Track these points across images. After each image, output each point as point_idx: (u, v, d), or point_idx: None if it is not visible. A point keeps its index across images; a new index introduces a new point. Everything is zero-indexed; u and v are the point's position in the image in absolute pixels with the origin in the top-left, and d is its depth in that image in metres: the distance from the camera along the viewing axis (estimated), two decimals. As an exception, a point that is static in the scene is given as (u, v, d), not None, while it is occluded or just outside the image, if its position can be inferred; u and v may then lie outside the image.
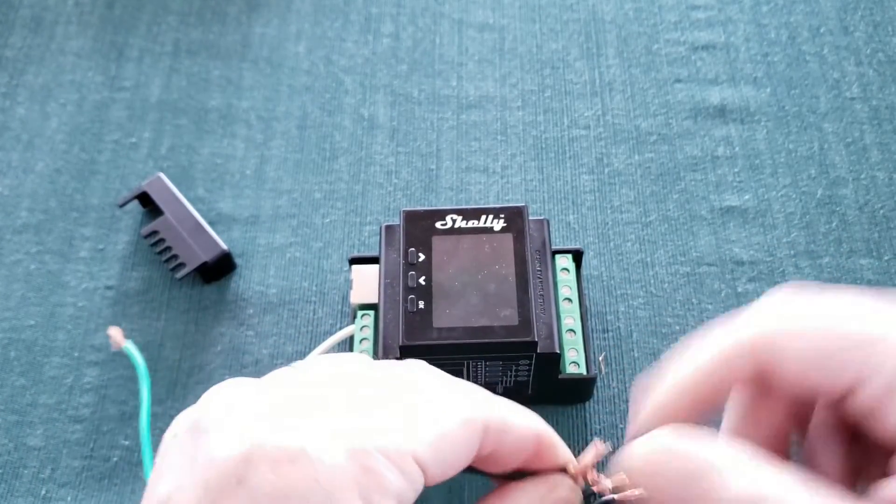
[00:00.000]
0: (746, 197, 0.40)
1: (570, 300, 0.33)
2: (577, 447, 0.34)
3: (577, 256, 0.35)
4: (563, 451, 0.24)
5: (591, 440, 0.34)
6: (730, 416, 0.24)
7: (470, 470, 0.24)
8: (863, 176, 0.40)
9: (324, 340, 0.35)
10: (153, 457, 0.32)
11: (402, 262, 0.32)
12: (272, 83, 0.45)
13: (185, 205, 0.39)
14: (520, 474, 0.24)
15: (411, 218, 0.33)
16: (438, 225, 0.33)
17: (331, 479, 0.19)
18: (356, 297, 0.34)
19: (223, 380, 0.22)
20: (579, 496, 0.24)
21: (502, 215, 0.33)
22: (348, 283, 0.37)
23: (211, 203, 0.41)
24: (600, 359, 0.36)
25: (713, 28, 0.45)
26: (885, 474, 0.20)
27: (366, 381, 0.22)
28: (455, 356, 0.31)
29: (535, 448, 0.24)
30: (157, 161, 0.42)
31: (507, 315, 0.30)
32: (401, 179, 0.41)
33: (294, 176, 0.42)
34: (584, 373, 0.32)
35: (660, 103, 0.43)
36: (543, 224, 0.34)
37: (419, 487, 0.20)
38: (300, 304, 0.38)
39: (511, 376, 0.33)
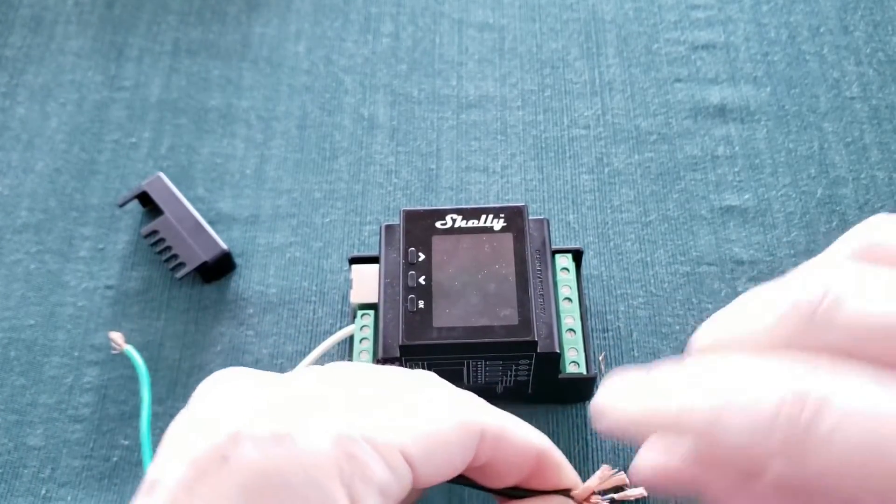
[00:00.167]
0: (746, 196, 0.40)
1: (569, 300, 0.33)
2: (577, 447, 0.34)
3: (577, 256, 0.35)
4: (568, 472, 0.24)
5: (592, 443, 0.34)
6: None
7: (470, 483, 0.24)
8: (863, 175, 0.40)
9: (324, 340, 0.35)
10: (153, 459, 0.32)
11: (401, 261, 0.32)
12: (272, 83, 0.45)
13: (184, 204, 0.39)
14: (523, 493, 0.24)
15: (411, 217, 0.33)
16: (438, 224, 0.33)
17: (314, 462, 0.19)
18: (356, 296, 0.34)
19: (223, 379, 0.22)
20: None
21: (502, 215, 0.33)
22: (348, 283, 0.37)
23: (211, 203, 0.41)
24: (600, 358, 0.36)
25: (713, 27, 0.45)
26: None
27: (367, 382, 0.22)
28: (455, 356, 0.31)
29: (537, 465, 0.23)
30: (156, 161, 0.42)
31: (507, 315, 0.30)
32: (401, 179, 0.41)
33: (294, 175, 0.42)
34: (584, 372, 0.32)
35: (660, 103, 0.43)
36: (543, 224, 0.34)
37: (406, 484, 0.20)
38: (300, 304, 0.38)
39: (511, 376, 0.33)
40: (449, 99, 0.44)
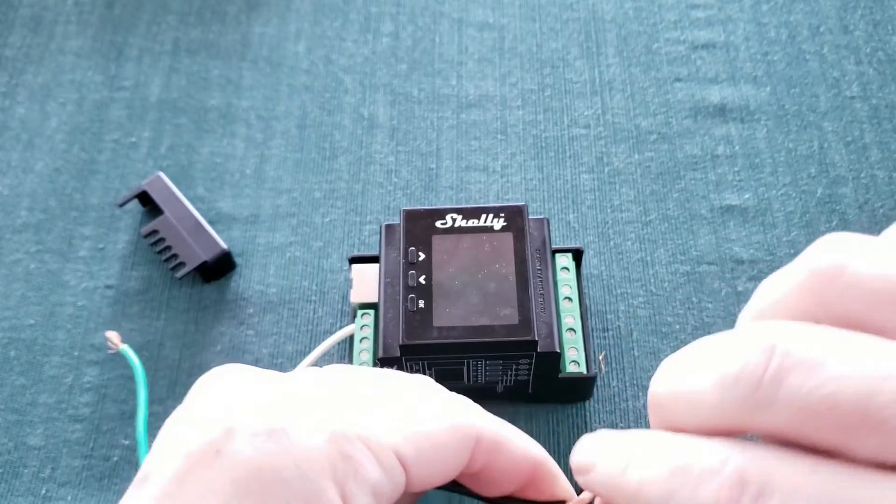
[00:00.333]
0: (746, 196, 0.40)
1: (570, 299, 0.33)
2: (578, 446, 0.34)
3: (577, 255, 0.35)
4: (563, 484, 0.24)
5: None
6: None
7: (463, 490, 0.23)
8: (863, 175, 0.40)
9: (324, 339, 0.35)
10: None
11: (402, 261, 0.32)
12: (272, 82, 0.45)
13: (184, 204, 0.39)
14: (517, 503, 0.24)
15: (411, 217, 0.33)
16: (438, 224, 0.33)
17: (307, 458, 0.19)
18: (356, 296, 0.34)
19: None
20: None
21: (502, 214, 0.33)
22: (348, 283, 0.37)
23: (211, 202, 0.41)
24: (600, 358, 0.36)
25: (713, 27, 0.45)
26: None
27: (366, 383, 0.22)
28: (455, 355, 0.31)
29: (532, 475, 0.23)
30: (156, 160, 0.42)
31: (508, 314, 0.30)
32: (401, 178, 0.41)
33: (294, 175, 0.42)
34: (585, 372, 0.32)
35: (660, 102, 0.43)
36: (543, 223, 0.34)
37: (399, 485, 0.20)
38: (300, 304, 0.38)
39: (511, 375, 0.33)
40: (449, 98, 0.44)
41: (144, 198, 0.40)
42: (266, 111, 0.44)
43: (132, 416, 0.36)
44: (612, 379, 0.36)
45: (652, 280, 0.38)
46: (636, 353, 0.36)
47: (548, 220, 0.34)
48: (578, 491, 0.23)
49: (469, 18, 0.46)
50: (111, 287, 0.39)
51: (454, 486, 0.23)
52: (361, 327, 0.33)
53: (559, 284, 0.34)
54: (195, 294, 0.39)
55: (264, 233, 0.40)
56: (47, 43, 0.47)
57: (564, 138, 0.42)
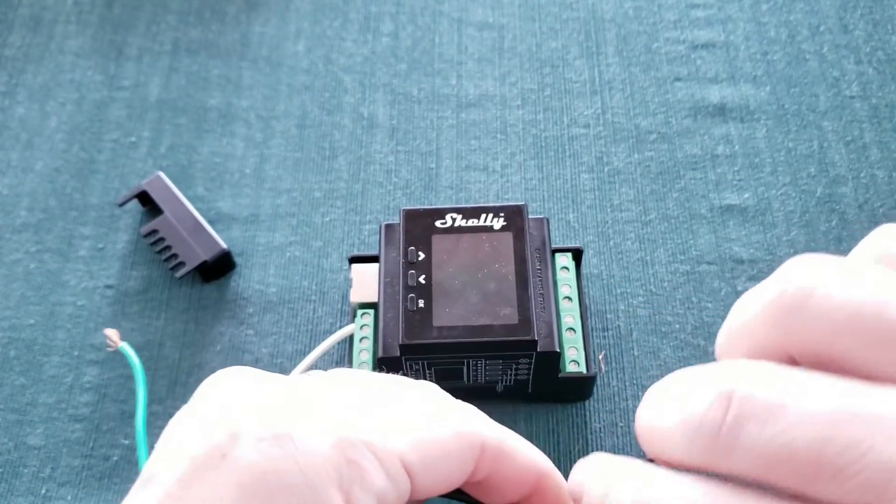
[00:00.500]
0: (746, 195, 0.40)
1: (569, 299, 0.33)
2: (577, 446, 0.34)
3: (577, 255, 0.35)
4: (566, 495, 0.23)
5: (592, 442, 0.34)
6: None
7: (467, 499, 0.23)
8: (862, 174, 0.40)
9: (324, 339, 0.35)
10: (149, 456, 0.32)
11: (401, 260, 0.32)
12: (271, 82, 0.45)
13: (184, 204, 0.39)
14: None
15: (411, 217, 0.33)
16: (438, 224, 0.33)
17: (312, 464, 0.19)
18: (356, 295, 0.34)
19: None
20: None
21: (502, 214, 0.33)
22: (348, 282, 0.37)
23: (210, 202, 0.41)
24: (600, 357, 0.36)
25: (713, 27, 0.45)
26: None
27: (370, 388, 0.22)
28: (455, 355, 0.31)
29: (536, 485, 0.23)
30: (156, 160, 0.42)
31: (507, 314, 0.30)
32: (400, 178, 0.41)
33: (293, 175, 0.42)
34: (584, 371, 0.32)
35: (659, 102, 0.43)
36: (543, 223, 0.34)
37: (403, 493, 0.20)
38: (300, 303, 0.38)
39: (511, 375, 0.33)
40: (448, 98, 0.44)
41: (144, 197, 0.40)
42: (266, 111, 0.44)
43: (132, 415, 0.36)
44: (612, 378, 0.36)
45: (652, 280, 0.38)
46: (636, 353, 0.36)
47: (547, 220, 0.34)
48: None
49: (469, 18, 0.46)
50: (111, 287, 0.39)
51: (458, 495, 0.23)
52: (361, 327, 0.33)
53: (559, 284, 0.34)
54: (195, 294, 0.39)
55: (264, 232, 0.40)
56: (47, 42, 0.47)
57: (564, 138, 0.42)
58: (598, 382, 0.35)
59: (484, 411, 0.24)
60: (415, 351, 0.30)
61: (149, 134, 0.43)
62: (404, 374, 0.29)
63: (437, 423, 0.21)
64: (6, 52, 0.46)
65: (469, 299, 0.31)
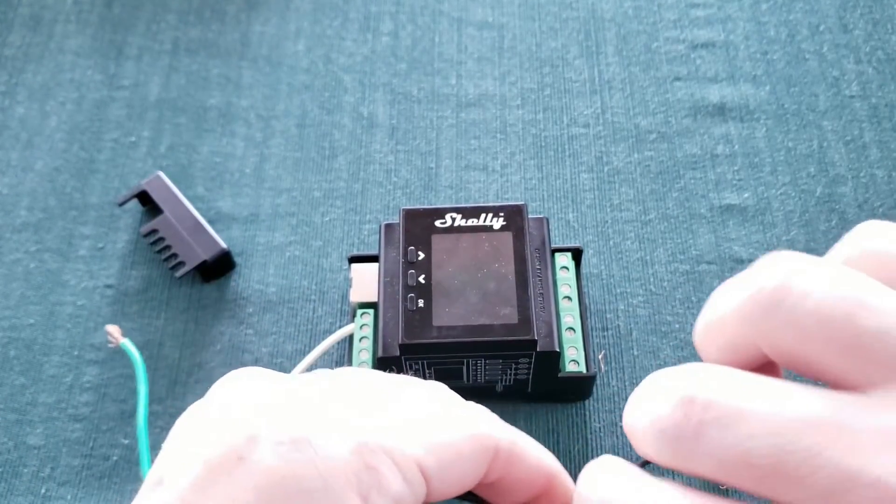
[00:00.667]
0: (746, 195, 0.40)
1: (569, 298, 0.33)
2: (577, 445, 0.34)
3: (577, 255, 0.35)
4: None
5: (592, 442, 0.35)
6: None
7: (477, 500, 0.23)
8: (862, 174, 0.40)
9: (323, 339, 0.35)
10: (150, 452, 0.32)
11: (401, 260, 0.32)
12: (271, 82, 0.45)
13: (184, 203, 0.39)
14: None
15: (411, 216, 0.33)
16: (438, 223, 0.33)
17: (331, 469, 0.19)
18: (356, 295, 0.34)
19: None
20: None
21: (502, 214, 0.33)
22: (348, 282, 0.37)
23: (210, 202, 0.41)
24: (600, 357, 0.36)
25: (712, 26, 0.45)
26: None
27: (383, 387, 0.22)
28: (455, 354, 0.31)
29: (546, 487, 0.23)
30: (156, 160, 0.42)
31: (507, 313, 0.30)
32: (400, 178, 0.41)
33: (293, 174, 0.42)
34: (584, 371, 0.32)
35: (659, 101, 0.43)
36: (543, 222, 0.34)
37: (420, 497, 0.20)
38: (300, 303, 0.38)
39: (511, 375, 0.33)
40: (448, 98, 0.44)
41: (144, 197, 0.40)
42: (266, 110, 0.44)
43: (132, 415, 0.36)
44: (612, 378, 0.36)
45: (651, 279, 0.38)
46: (636, 353, 0.36)
47: (547, 220, 0.34)
48: None
49: (468, 17, 0.46)
50: (111, 286, 0.39)
51: (468, 496, 0.23)
52: (361, 327, 0.33)
53: (559, 284, 0.34)
54: (195, 293, 0.39)
55: (264, 232, 0.40)
56: (47, 42, 0.47)
57: (564, 137, 0.42)
58: (598, 382, 0.35)
59: (484, 411, 0.24)
60: (414, 351, 0.30)
61: (149, 133, 0.43)
62: (404, 374, 0.29)
63: (452, 427, 0.21)
64: (6, 52, 0.46)
65: (469, 299, 0.31)
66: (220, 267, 0.38)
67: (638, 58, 0.44)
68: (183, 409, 0.21)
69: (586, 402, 0.35)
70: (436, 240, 0.32)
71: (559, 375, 0.32)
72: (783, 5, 0.45)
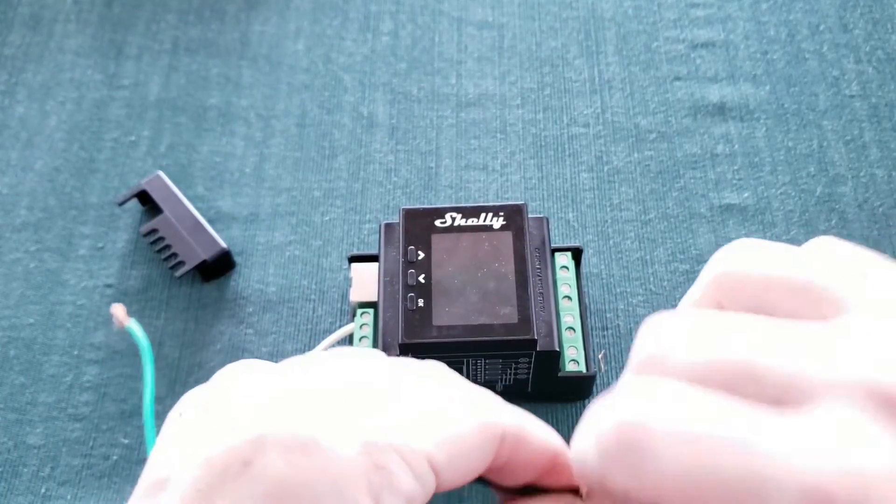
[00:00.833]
0: (746, 195, 0.40)
1: (569, 298, 0.33)
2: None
3: (577, 254, 0.35)
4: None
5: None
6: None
7: (479, 480, 0.23)
8: (862, 174, 0.40)
9: (323, 338, 0.35)
10: (156, 436, 0.32)
11: (401, 260, 0.32)
12: (271, 81, 0.44)
13: (184, 203, 0.39)
14: (528, 489, 0.23)
15: (411, 216, 0.33)
16: (438, 223, 0.33)
17: (341, 472, 0.18)
18: (356, 295, 0.34)
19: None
20: None
21: (502, 213, 0.33)
22: (348, 282, 0.37)
23: (210, 201, 0.41)
24: (600, 356, 0.36)
25: (712, 26, 0.45)
26: None
27: (384, 378, 0.22)
28: (455, 354, 0.31)
29: (551, 465, 0.23)
30: (156, 159, 0.42)
31: (507, 313, 0.30)
32: (400, 177, 0.41)
33: (293, 174, 0.42)
34: (584, 370, 0.32)
35: (659, 101, 0.43)
36: (543, 222, 0.34)
37: (430, 491, 0.20)
38: (300, 303, 0.38)
39: (511, 374, 0.33)
40: (448, 97, 0.44)
41: (144, 197, 0.40)
42: (265, 110, 0.44)
43: (132, 414, 0.36)
44: (612, 378, 0.36)
45: (651, 279, 0.38)
46: (635, 352, 0.36)
47: (547, 219, 0.34)
48: None
49: (468, 17, 0.46)
50: (111, 286, 0.39)
51: (475, 479, 0.23)
52: (361, 326, 0.33)
53: (558, 283, 0.34)
54: (195, 293, 0.39)
55: (264, 232, 0.40)
56: (47, 41, 0.47)
57: (564, 137, 0.42)
58: (598, 381, 0.35)
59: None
60: (414, 350, 0.30)
61: (148, 133, 0.43)
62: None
63: (460, 418, 0.21)
64: (6, 51, 0.46)
65: (469, 298, 0.31)
66: (219, 266, 0.38)
67: (638, 57, 0.44)
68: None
69: (586, 401, 0.35)
70: (436, 239, 0.32)
71: (559, 375, 0.32)
72: (783, 5, 0.45)
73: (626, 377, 0.18)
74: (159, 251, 0.39)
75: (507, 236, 0.32)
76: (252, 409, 0.20)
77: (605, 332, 0.37)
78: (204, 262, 0.38)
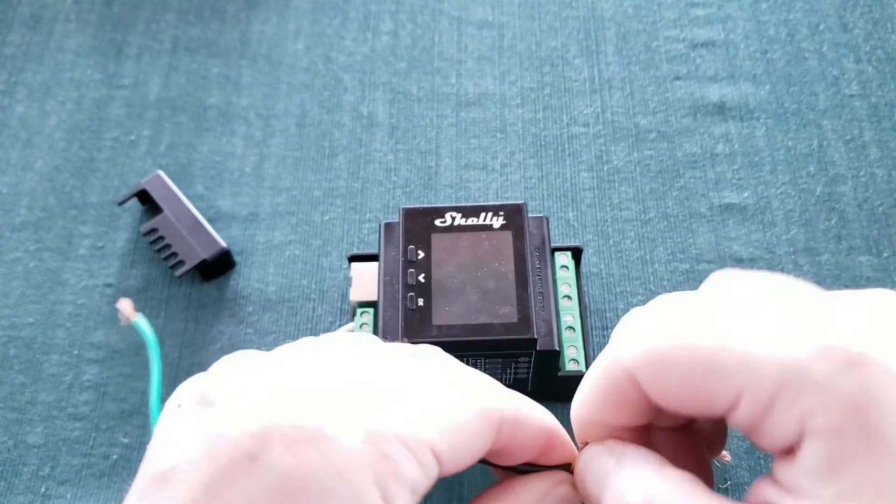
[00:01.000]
0: (746, 194, 0.40)
1: (569, 297, 0.33)
2: (577, 444, 0.34)
3: (577, 254, 0.35)
4: (570, 448, 0.24)
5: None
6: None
7: (481, 462, 0.24)
8: (862, 173, 0.40)
9: (323, 338, 0.35)
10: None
11: (401, 259, 0.32)
12: (271, 81, 0.45)
13: (184, 202, 0.39)
14: (523, 467, 0.24)
15: (410, 215, 0.33)
16: (438, 222, 0.33)
17: (348, 463, 0.18)
18: (355, 294, 0.34)
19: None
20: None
21: (501, 213, 0.33)
22: (348, 281, 0.37)
23: (210, 201, 0.41)
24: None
25: (712, 25, 0.45)
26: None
27: (382, 364, 0.22)
28: (454, 354, 0.31)
29: (546, 446, 0.23)
30: (156, 159, 0.42)
31: (507, 312, 0.30)
32: (400, 177, 0.41)
33: (293, 173, 0.42)
34: (584, 370, 0.32)
35: (659, 100, 0.43)
36: (543, 221, 0.34)
37: (433, 479, 0.20)
38: (299, 302, 0.38)
39: (510, 374, 0.33)
40: (448, 97, 0.44)
41: (144, 196, 0.40)
42: (265, 109, 0.44)
43: (132, 414, 0.36)
44: (612, 377, 0.36)
45: (651, 278, 0.38)
46: (635, 352, 0.36)
47: (547, 219, 0.34)
48: None
49: (468, 16, 0.46)
50: (111, 285, 0.39)
51: None
52: (361, 326, 0.33)
53: (558, 283, 0.34)
54: (194, 292, 0.39)
55: (264, 231, 0.40)
56: (46, 41, 0.47)
57: (564, 136, 0.42)
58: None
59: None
60: (414, 350, 0.30)
61: (148, 132, 0.43)
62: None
63: (461, 406, 0.21)
64: (6, 51, 0.46)
65: (468, 298, 0.31)
66: (219, 266, 0.39)
67: (638, 57, 0.44)
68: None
69: (586, 401, 0.35)
70: (435, 239, 0.32)
71: (559, 374, 0.32)
72: (783, 4, 0.45)
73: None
74: (159, 251, 0.39)
75: (507, 236, 0.32)
76: (254, 402, 0.20)
77: (605, 332, 0.37)
78: (204, 262, 0.38)
